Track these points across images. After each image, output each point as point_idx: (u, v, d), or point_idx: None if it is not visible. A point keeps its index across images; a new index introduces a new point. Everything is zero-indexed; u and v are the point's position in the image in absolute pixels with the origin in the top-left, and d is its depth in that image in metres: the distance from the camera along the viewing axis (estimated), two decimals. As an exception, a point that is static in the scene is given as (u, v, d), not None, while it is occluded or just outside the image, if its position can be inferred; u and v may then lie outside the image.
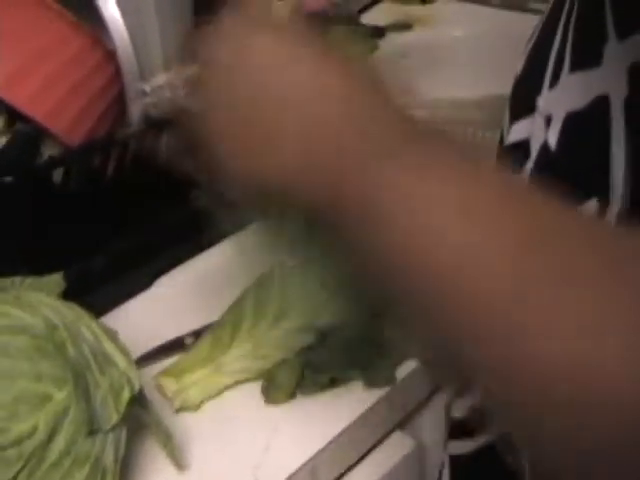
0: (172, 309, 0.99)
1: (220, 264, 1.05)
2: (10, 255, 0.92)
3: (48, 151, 0.97)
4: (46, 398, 0.68)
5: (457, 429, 0.78)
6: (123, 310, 0.99)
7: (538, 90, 0.64)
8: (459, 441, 0.78)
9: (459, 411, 0.78)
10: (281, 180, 0.56)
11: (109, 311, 0.96)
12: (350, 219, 0.52)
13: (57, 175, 0.95)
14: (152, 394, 0.83)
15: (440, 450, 0.94)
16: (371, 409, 0.85)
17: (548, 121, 0.62)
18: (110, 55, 0.97)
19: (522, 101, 0.68)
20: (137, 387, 0.73)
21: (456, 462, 0.79)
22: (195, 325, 0.94)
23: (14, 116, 0.95)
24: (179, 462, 0.79)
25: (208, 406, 0.86)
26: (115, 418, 0.71)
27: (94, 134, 1.00)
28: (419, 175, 0.50)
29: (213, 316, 0.92)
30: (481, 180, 0.50)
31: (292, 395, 0.85)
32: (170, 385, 0.85)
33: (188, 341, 0.93)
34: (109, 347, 0.75)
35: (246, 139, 0.58)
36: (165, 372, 0.86)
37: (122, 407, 0.72)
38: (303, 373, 0.86)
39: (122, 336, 0.78)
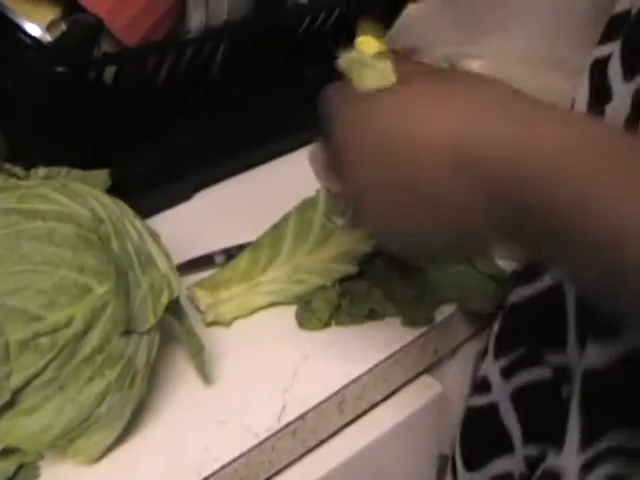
0: (208, 224, 0.97)
1: (261, 185, 1.03)
2: (51, 146, 0.90)
3: (103, 48, 0.94)
4: (86, 290, 0.65)
5: None
6: (160, 219, 0.97)
7: None
8: None
9: None
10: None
11: (146, 218, 0.94)
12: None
13: (108, 75, 0.93)
14: (184, 305, 0.81)
15: (463, 398, 0.93)
16: (404, 349, 0.83)
17: None
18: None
19: None
20: (177, 292, 0.71)
21: None
22: (228, 243, 0.92)
23: (71, 7, 0.92)
24: (206, 376, 0.77)
25: (240, 324, 0.84)
26: (152, 321, 0.69)
27: (151, 37, 0.97)
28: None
29: (247, 236, 0.90)
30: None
31: (326, 323, 0.83)
32: (204, 298, 0.83)
33: (218, 259, 0.91)
34: (152, 248, 0.73)
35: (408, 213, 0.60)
36: (200, 284, 0.84)
37: (160, 310, 0.70)
38: (340, 302, 0.84)
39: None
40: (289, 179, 1.03)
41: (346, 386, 0.79)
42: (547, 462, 0.74)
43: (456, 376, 0.93)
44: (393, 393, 0.86)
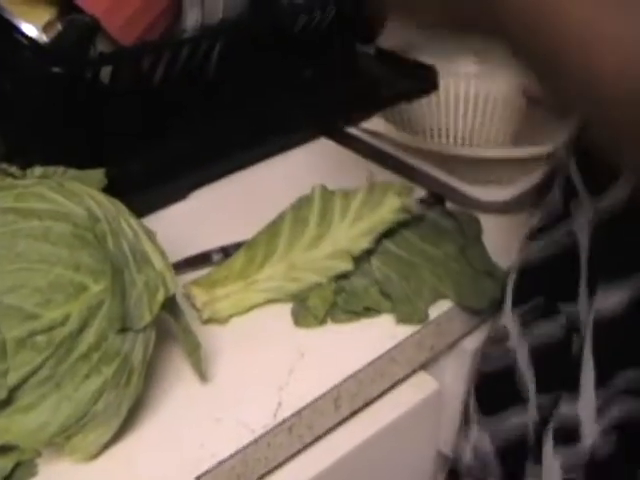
0: (204, 223, 0.98)
1: (257, 184, 1.04)
2: (48, 145, 0.91)
3: (99, 49, 0.94)
4: (82, 288, 0.66)
5: None
6: (155, 218, 0.97)
7: None
8: None
9: None
10: None
11: (141, 217, 0.94)
12: None
13: (105, 75, 0.93)
14: (181, 303, 0.81)
15: (459, 395, 0.93)
16: (400, 345, 0.83)
17: None
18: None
19: None
20: (173, 289, 0.72)
21: None
22: (224, 241, 0.93)
23: (68, 8, 0.93)
24: (203, 373, 0.77)
25: (236, 321, 0.84)
26: (148, 318, 0.70)
27: (147, 37, 0.98)
28: None
29: (243, 234, 0.91)
30: None
31: (322, 321, 0.83)
32: (201, 295, 0.83)
33: (215, 257, 0.91)
34: (148, 246, 0.73)
35: None
36: (196, 282, 0.85)
37: (156, 308, 0.70)
38: (335, 300, 0.84)
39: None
40: (285, 177, 1.04)
41: (342, 383, 0.79)
42: (561, 410, 0.75)
43: (453, 373, 0.94)
44: (389, 389, 0.86)
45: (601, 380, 0.71)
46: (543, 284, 0.80)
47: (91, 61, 0.88)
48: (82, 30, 0.86)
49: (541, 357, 0.80)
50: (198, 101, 1.02)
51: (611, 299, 0.69)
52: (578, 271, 0.74)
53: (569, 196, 0.77)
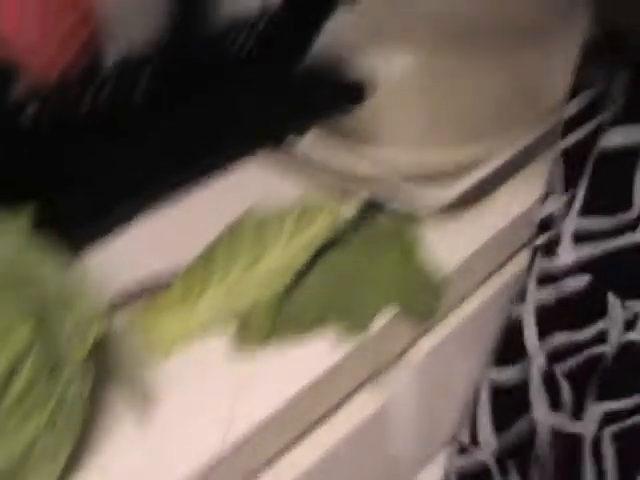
0: (148, 251, 0.96)
1: (200, 207, 1.02)
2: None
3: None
4: (8, 334, 0.65)
5: None
6: (96, 249, 0.95)
7: None
8: None
9: None
10: None
11: (80, 250, 0.93)
12: None
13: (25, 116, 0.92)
14: (122, 334, 0.80)
15: (411, 407, 0.92)
16: (345, 358, 0.82)
17: None
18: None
19: None
20: (104, 327, 0.71)
21: None
22: (170, 267, 0.91)
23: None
24: (143, 411, 0.76)
25: (179, 350, 0.83)
26: (81, 358, 0.68)
27: (68, 71, 0.97)
28: None
29: (189, 258, 0.89)
30: None
31: (267, 337, 0.82)
32: (142, 326, 0.82)
33: (162, 283, 0.90)
34: (78, 284, 0.72)
35: None
36: (135, 315, 0.84)
37: (87, 346, 0.69)
38: (279, 316, 0.83)
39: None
40: (223, 198, 1.02)
41: (287, 405, 0.78)
42: None
43: (400, 384, 0.92)
44: (338, 405, 0.85)
45: None
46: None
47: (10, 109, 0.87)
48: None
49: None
50: (129, 129, 1.01)
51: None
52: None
53: None
